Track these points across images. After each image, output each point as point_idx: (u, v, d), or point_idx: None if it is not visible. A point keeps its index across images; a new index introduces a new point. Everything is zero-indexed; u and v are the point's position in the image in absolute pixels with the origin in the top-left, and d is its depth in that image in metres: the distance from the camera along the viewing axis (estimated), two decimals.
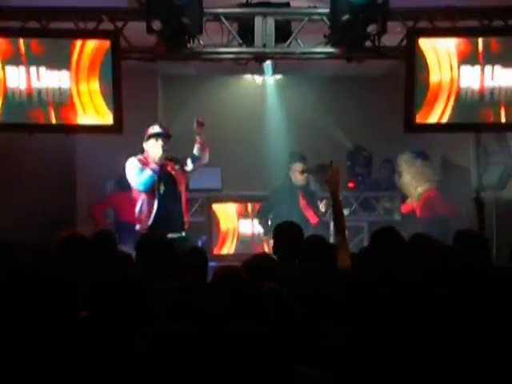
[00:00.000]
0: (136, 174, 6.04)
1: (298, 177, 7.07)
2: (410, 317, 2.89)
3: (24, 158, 7.04)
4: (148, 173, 6.01)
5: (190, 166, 6.29)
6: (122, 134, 5.96)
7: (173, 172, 6.19)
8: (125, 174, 6.22)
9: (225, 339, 2.09)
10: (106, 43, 5.80)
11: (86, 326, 2.82)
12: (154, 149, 6.09)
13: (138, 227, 6.13)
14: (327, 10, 5.74)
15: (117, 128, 5.89)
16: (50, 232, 6.28)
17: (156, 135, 6.10)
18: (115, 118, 5.85)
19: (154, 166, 6.04)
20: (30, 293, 2.94)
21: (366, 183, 8.21)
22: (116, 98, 5.83)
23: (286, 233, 4.44)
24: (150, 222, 6.05)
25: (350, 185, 8.19)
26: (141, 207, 6.10)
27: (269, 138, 8.78)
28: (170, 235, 5.93)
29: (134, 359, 2.21)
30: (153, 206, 6.06)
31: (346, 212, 7.53)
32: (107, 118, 5.88)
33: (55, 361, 2.51)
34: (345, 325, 2.87)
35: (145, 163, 6.09)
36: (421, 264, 3.64)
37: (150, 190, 6.06)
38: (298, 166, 7.06)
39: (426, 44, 5.84)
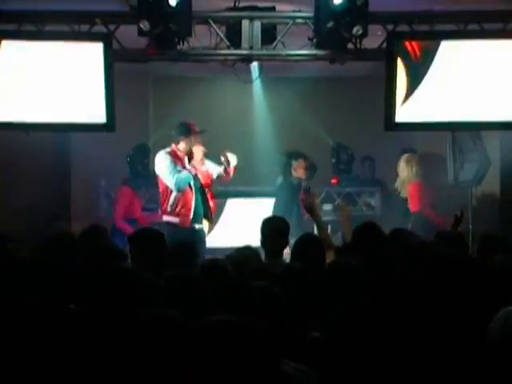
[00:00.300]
0: (171, 172, 6.19)
1: (302, 173, 7.25)
2: (393, 311, 2.89)
3: (20, 155, 7.16)
4: (186, 174, 6.22)
5: (214, 176, 6.59)
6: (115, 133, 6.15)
7: (198, 173, 6.41)
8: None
9: (206, 327, 2.07)
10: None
11: (78, 318, 2.84)
12: (194, 148, 6.31)
13: (176, 220, 6.26)
14: (311, 14, 5.92)
15: (110, 127, 6.07)
16: (45, 228, 6.49)
17: (199, 133, 6.31)
18: (108, 117, 6.01)
19: (191, 168, 6.26)
20: (20, 284, 3.01)
21: (347, 179, 8.42)
22: (109, 98, 5.98)
23: (273, 227, 4.50)
24: (191, 216, 6.26)
25: (333, 181, 8.39)
26: (176, 202, 6.25)
27: (256, 136, 8.96)
28: (197, 226, 6.30)
29: (127, 346, 2.23)
30: (191, 200, 6.27)
31: (329, 207, 7.82)
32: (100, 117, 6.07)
33: (47, 353, 2.51)
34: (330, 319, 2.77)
35: (175, 156, 6.27)
36: (399, 257, 3.81)
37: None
38: (301, 162, 7.26)
39: (405, 45, 6.05)
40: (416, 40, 6.09)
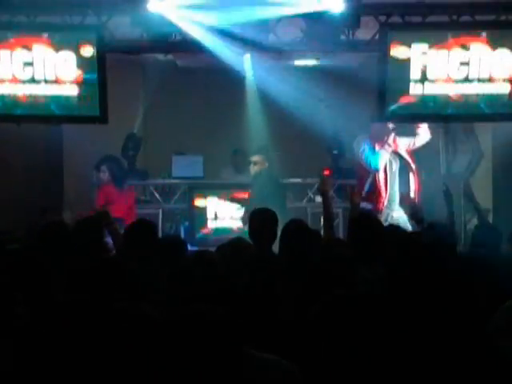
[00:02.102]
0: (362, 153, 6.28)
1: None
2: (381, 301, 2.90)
3: (11, 146, 7.17)
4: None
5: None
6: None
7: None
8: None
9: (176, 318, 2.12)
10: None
11: (64, 310, 2.74)
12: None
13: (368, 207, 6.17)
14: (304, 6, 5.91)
15: (103, 119, 6.09)
16: (37, 219, 6.48)
17: None
18: (101, 110, 6.02)
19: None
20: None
21: (341, 171, 8.40)
22: (101, 91, 5.99)
23: (261, 219, 4.49)
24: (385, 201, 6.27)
25: (326, 172, 8.34)
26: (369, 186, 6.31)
27: (249, 126, 8.94)
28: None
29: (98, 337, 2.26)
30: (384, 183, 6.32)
31: (321, 199, 7.80)
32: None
33: (28, 347, 2.44)
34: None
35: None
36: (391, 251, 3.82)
37: None
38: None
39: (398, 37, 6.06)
40: (408, 32, 6.10)
